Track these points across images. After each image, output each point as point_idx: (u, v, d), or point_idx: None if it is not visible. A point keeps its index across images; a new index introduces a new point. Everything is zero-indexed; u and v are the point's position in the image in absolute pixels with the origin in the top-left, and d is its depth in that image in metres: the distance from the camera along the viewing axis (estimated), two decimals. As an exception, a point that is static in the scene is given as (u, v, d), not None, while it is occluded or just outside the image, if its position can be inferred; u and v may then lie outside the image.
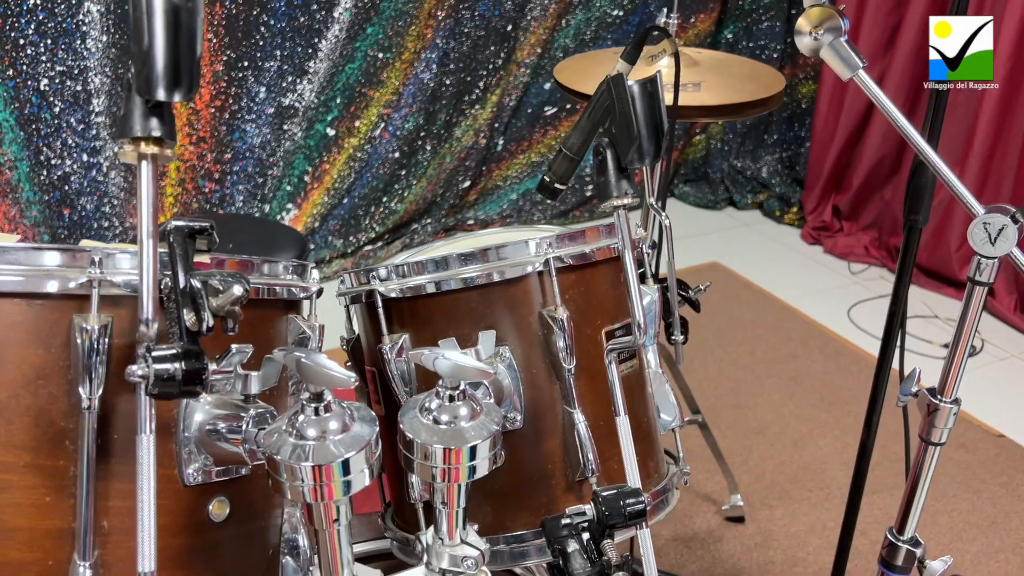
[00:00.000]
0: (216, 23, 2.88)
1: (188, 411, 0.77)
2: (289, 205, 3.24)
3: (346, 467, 0.70)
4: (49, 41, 2.65)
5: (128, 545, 0.69)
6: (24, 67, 2.64)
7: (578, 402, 1.08)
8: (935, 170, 1.05)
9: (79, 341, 0.69)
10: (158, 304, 0.66)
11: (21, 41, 2.61)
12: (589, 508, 0.93)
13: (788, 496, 2.11)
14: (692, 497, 2.08)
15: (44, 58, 2.65)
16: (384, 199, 3.40)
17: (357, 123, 3.25)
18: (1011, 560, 1.97)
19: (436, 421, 0.80)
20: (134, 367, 0.65)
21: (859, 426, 1.49)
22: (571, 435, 1.07)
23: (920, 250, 3.53)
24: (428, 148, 3.41)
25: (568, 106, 3.64)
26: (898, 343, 1.49)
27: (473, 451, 0.78)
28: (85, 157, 2.82)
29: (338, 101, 3.18)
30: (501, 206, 3.71)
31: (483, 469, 0.80)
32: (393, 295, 1.06)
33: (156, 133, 0.65)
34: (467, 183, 3.58)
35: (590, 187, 3.84)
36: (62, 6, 2.63)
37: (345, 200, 3.32)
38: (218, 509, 0.81)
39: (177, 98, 0.63)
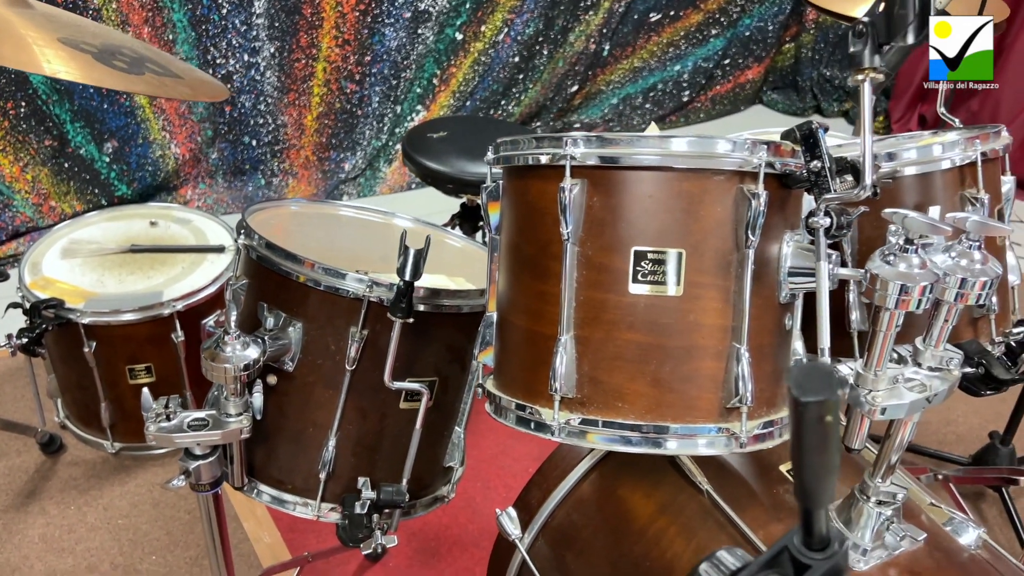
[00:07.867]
0: (365, -72, 2.99)
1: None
2: (419, 107, 3.42)
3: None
4: (220, -56, 2.77)
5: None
6: (197, -31, 2.77)
7: None
8: None
9: (751, 204, 0.93)
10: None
11: (196, -56, 2.74)
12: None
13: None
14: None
15: (215, -39, 2.78)
16: (503, 102, 3.57)
17: (483, 28, 3.39)
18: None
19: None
20: (816, 219, 0.93)
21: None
22: None
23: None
24: (545, 53, 3.57)
25: (672, 12, 3.79)
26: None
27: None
28: (246, 57, 2.97)
29: (467, 6, 3.32)
30: (603, 110, 3.89)
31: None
32: None
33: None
34: (575, 87, 3.76)
35: (687, 92, 4.01)
36: (233, -90, 2.74)
37: (468, 103, 3.49)
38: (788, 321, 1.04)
39: None
